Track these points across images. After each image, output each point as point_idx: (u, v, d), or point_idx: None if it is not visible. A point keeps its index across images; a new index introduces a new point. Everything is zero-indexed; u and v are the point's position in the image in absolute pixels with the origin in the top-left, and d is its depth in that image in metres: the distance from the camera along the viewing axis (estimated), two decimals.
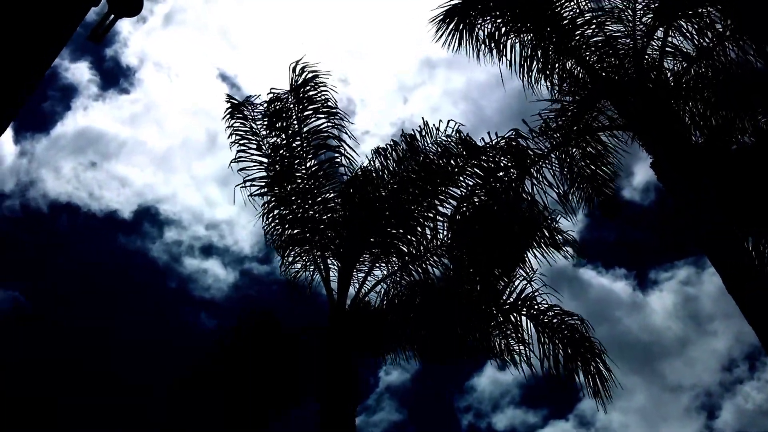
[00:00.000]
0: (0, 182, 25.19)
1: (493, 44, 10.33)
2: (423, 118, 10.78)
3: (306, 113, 11.18)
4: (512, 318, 9.46)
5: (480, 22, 10.55)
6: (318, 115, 11.17)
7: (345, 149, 11.04)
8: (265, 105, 11.27)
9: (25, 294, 22.32)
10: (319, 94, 11.17)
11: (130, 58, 31.40)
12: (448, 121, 10.67)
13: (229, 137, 10.99)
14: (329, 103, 11.17)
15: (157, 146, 31.72)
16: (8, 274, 22.10)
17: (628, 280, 28.05)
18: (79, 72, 30.25)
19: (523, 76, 10.36)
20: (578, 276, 23.67)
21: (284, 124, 11.11)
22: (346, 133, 11.10)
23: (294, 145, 11.03)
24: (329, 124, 11.15)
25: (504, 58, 10.45)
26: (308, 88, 11.16)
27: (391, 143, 10.80)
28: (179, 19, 32.27)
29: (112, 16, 5.00)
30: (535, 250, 9.94)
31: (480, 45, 10.59)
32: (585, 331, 9.39)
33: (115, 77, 30.97)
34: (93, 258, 24.87)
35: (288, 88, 11.20)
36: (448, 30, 10.85)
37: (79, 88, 29.40)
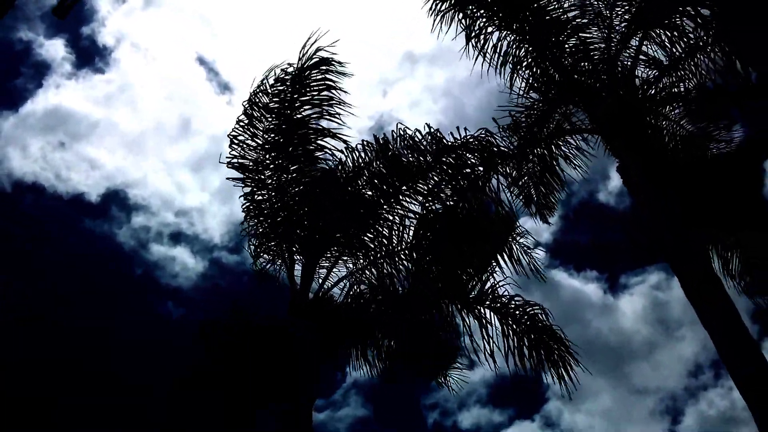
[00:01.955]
0: None
1: (474, 38, 10.39)
2: (398, 125, 10.57)
3: (300, 101, 10.71)
4: (477, 312, 9.44)
5: (467, 13, 10.54)
6: (313, 105, 10.72)
7: (329, 142, 10.74)
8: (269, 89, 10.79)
9: None
10: (321, 81, 10.65)
11: (106, 38, 30.85)
12: (430, 129, 10.40)
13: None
14: (329, 93, 10.66)
15: (129, 129, 30.99)
16: None
17: (599, 283, 28.31)
18: (54, 49, 29.78)
19: (500, 73, 10.46)
20: (550, 276, 23.81)
21: (278, 108, 10.73)
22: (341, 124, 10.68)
23: (283, 130, 10.73)
24: (319, 114, 10.73)
25: (485, 52, 10.48)
26: (313, 73, 10.65)
27: (362, 143, 10.63)
28: (159, 0, 31.91)
29: None
30: (500, 256, 9.88)
31: (468, 38, 10.56)
32: (547, 320, 9.41)
33: (90, 56, 30.09)
34: (56, 240, 23.62)
35: (284, 72, 10.60)
36: (440, 16, 10.72)
37: (52, 65, 28.74)
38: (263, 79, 10.76)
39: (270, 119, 10.76)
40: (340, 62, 10.52)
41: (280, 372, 9.64)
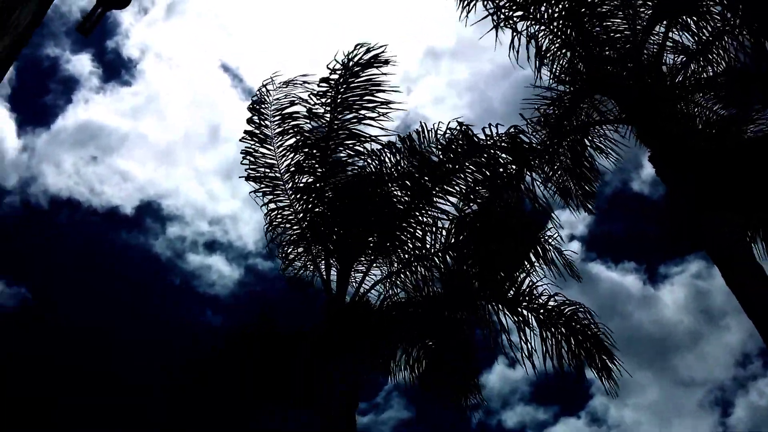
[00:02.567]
0: (1, 178, 24.74)
1: (501, 22, 10.03)
2: (421, 122, 10.41)
3: (346, 103, 10.44)
4: (515, 313, 9.31)
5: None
6: (353, 110, 10.49)
7: (367, 147, 10.53)
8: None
9: (32, 292, 21.92)
10: (367, 83, 10.38)
11: (131, 50, 31.27)
12: (459, 123, 10.11)
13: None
14: (371, 96, 10.39)
15: (158, 140, 31.28)
16: (9, 271, 21.42)
17: (638, 274, 27.75)
18: (81, 64, 30.30)
19: (527, 63, 10.21)
20: (587, 270, 23.62)
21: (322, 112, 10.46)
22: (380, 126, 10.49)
23: (318, 137, 10.50)
24: (357, 118, 10.51)
25: (510, 43, 10.16)
26: (361, 74, 10.41)
27: (389, 143, 10.45)
28: (181, 9, 32.05)
29: (101, 8, 4.94)
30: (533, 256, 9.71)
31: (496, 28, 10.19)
32: (590, 318, 9.21)
33: (116, 69, 30.58)
34: (95, 255, 24.55)
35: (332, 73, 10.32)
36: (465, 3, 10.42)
37: (80, 80, 29.23)
38: (265, 83, 10.67)
39: (308, 124, 10.59)
40: (387, 61, 10.25)
41: (302, 376, 9.55)
